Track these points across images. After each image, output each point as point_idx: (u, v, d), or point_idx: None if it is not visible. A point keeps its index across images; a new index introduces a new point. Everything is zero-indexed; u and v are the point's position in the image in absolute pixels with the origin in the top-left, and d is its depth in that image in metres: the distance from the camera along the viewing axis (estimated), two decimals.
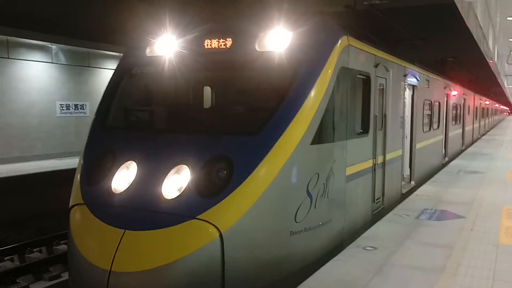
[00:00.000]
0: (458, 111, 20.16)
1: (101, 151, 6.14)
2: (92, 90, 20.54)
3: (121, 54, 7.59)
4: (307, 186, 5.77)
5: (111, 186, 5.64)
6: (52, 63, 19.17)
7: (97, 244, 5.22)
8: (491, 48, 22.80)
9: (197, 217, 4.92)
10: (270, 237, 5.34)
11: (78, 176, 6.12)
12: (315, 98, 5.90)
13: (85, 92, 20.55)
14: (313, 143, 5.86)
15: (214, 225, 4.86)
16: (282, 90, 5.80)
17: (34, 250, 11.35)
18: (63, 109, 19.68)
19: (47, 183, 14.94)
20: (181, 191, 5.24)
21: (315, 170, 5.98)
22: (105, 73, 20.95)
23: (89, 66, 20.78)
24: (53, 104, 19.30)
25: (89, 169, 6.05)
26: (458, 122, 20.25)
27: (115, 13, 12.68)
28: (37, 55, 18.59)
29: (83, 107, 20.49)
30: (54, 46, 19.00)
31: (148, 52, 6.88)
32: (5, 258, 10.75)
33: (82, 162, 6.29)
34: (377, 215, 8.40)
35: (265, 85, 6.25)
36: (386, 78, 8.87)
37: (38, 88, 18.63)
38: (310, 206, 5.83)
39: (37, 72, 18.63)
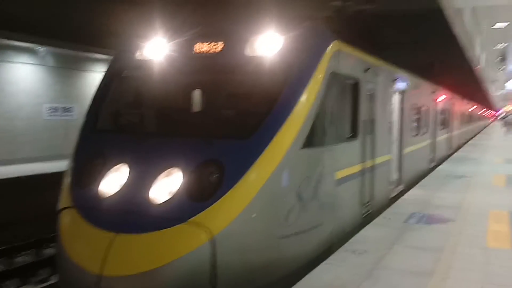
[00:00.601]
0: (446, 116, 20.34)
1: (91, 154, 6.10)
2: (80, 93, 20.43)
3: (110, 57, 7.56)
4: (298, 190, 5.79)
5: (101, 189, 5.61)
6: (40, 65, 19.04)
7: (87, 248, 5.17)
8: (478, 54, 23.05)
9: (188, 220, 4.91)
10: (261, 240, 5.34)
11: (68, 179, 6.07)
12: (306, 103, 5.92)
13: (73, 95, 20.42)
14: (303, 147, 5.88)
15: (205, 228, 4.86)
16: (273, 95, 5.81)
17: (22, 253, 11.23)
18: (50, 112, 19.53)
19: (33, 186, 14.78)
20: (172, 194, 5.22)
21: (305, 174, 6.01)
22: (93, 76, 20.84)
23: (77, 69, 20.66)
24: (41, 106, 19.16)
25: (79, 172, 6.01)
26: (445, 127, 20.42)
27: (104, 16, 12.65)
28: (25, 58, 18.43)
29: (70, 109, 20.34)
30: (42, 49, 18.85)
31: (138, 55, 6.86)
32: None
33: (71, 165, 6.24)
34: (366, 219, 8.45)
35: (256, 89, 6.25)
36: (375, 83, 8.93)
37: (25, 91, 18.49)
38: (301, 209, 5.85)
39: (24, 75, 18.48)
